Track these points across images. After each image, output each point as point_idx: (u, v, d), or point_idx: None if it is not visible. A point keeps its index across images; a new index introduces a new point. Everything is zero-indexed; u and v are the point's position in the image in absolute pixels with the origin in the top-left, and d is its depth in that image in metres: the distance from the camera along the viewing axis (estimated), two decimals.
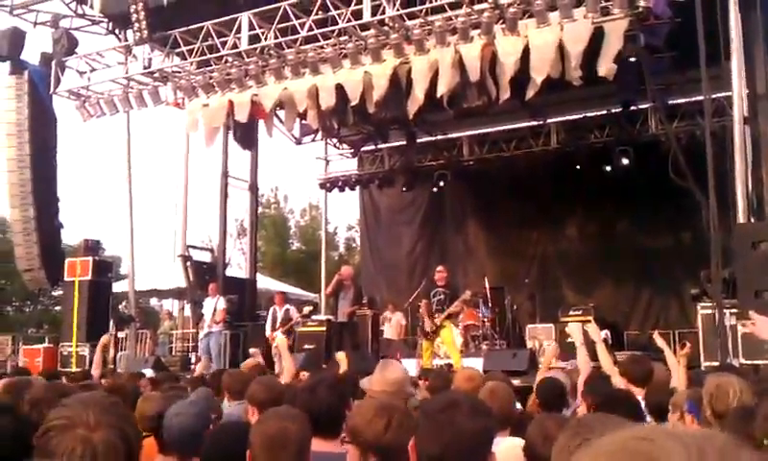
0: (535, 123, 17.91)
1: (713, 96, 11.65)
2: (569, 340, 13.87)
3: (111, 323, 16.71)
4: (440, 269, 12.53)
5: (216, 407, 4.78)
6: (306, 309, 14.37)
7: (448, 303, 11.93)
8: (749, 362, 9.50)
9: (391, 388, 3.90)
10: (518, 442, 3.28)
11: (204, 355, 13.79)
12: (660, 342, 6.89)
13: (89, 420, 1.87)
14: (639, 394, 5.05)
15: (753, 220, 10.83)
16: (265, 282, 22.87)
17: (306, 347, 13.56)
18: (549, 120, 17.73)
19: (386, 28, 12.58)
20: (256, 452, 2.73)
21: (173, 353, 18.47)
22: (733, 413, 3.33)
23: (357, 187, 20.91)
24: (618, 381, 5.50)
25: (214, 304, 14.67)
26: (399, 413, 2.71)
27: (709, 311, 10.67)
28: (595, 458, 0.82)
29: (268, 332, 13.84)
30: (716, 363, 9.43)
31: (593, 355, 6.41)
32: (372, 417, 2.73)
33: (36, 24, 16.14)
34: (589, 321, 13.26)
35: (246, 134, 16.38)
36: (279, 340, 8.30)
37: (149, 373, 9.72)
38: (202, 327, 14.76)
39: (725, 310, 10.07)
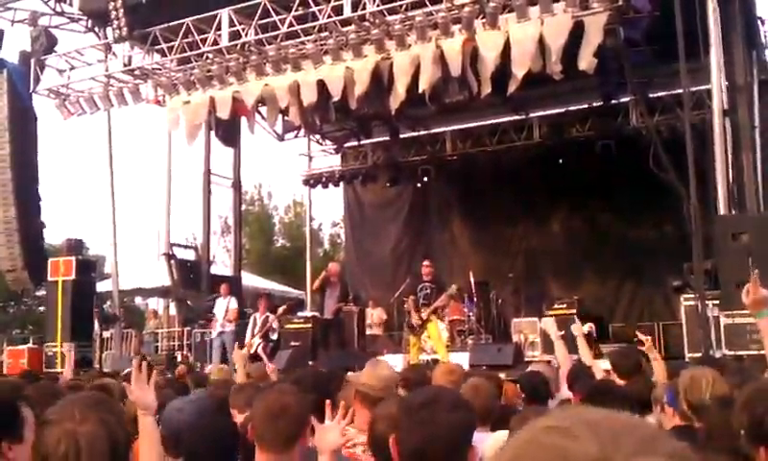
0: (517, 118, 17.96)
1: (693, 89, 11.73)
2: None
3: (96, 322, 16.64)
4: (426, 264, 12.55)
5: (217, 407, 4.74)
6: (280, 309, 14.34)
7: (435, 298, 11.95)
8: (732, 353, 9.58)
9: (379, 384, 3.93)
10: (505, 435, 3.31)
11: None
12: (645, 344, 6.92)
13: (75, 415, 1.95)
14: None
15: (733, 211, 10.92)
16: (250, 280, 22.81)
17: (292, 344, 13.55)
18: (531, 114, 17.78)
19: (366, 23, 12.57)
20: (257, 423, 2.85)
21: (158, 352, 18.40)
22: (714, 403, 3.37)
23: (341, 183, 20.90)
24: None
25: (226, 305, 14.81)
26: None
27: (692, 303, 10.74)
28: (510, 451, 0.80)
29: (248, 338, 13.85)
30: (699, 354, 9.51)
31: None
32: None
33: (13, 22, 16.00)
34: (573, 314, 13.40)
35: (228, 132, 16.35)
36: (236, 354, 8.30)
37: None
38: (214, 327, 14.81)
39: (707, 302, 10.15)
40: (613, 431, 0.77)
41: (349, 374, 4.25)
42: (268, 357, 11.90)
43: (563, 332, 6.67)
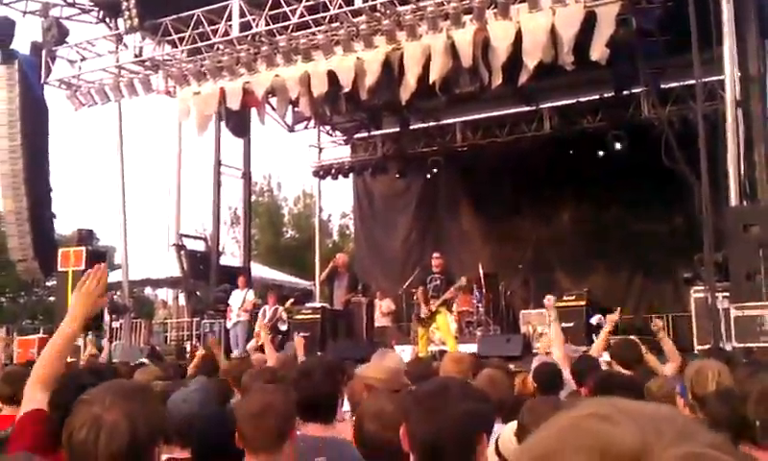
0: (528, 108, 17.92)
1: (706, 80, 11.66)
2: (564, 325, 13.93)
3: (106, 312, 16.70)
4: (436, 256, 12.58)
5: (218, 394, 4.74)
6: (288, 302, 14.42)
7: (444, 289, 11.98)
8: (741, 345, 9.55)
9: (384, 376, 3.91)
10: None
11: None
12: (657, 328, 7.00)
13: (106, 400, 1.98)
14: None
15: (745, 203, 10.86)
16: (259, 271, 22.87)
17: (302, 334, 13.55)
18: (542, 105, 17.74)
19: (378, 14, 12.54)
20: (242, 425, 2.78)
21: (168, 343, 18.48)
22: (714, 395, 3.37)
23: (351, 175, 20.91)
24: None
25: (243, 296, 14.90)
26: None
27: (702, 295, 10.69)
28: (547, 438, 0.80)
29: (256, 330, 13.95)
30: (709, 346, 9.48)
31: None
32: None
33: (25, 13, 16.03)
34: (583, 306, 13.40)
35: (238, 122, 16.34)
36: (263, 336, 8.68)
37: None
38: (229, 317, 14.86)
39: (717, 293, 10.11)
40: (654, 420, 0.77)
41: (357, 368, 4.25)
42: (276, 348, 11.99)
43: (572, 323, 6.77)
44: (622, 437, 0.75)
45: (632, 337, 7.04)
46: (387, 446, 2.69)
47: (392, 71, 12.77)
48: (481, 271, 15.50)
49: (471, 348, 11.52)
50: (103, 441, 1.92)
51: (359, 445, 2.85)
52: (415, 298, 12.67)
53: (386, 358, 4.18)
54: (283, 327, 14.12)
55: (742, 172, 10.78)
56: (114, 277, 18.98)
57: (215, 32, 13.83)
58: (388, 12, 12.40)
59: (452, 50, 12.04)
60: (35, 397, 2.81)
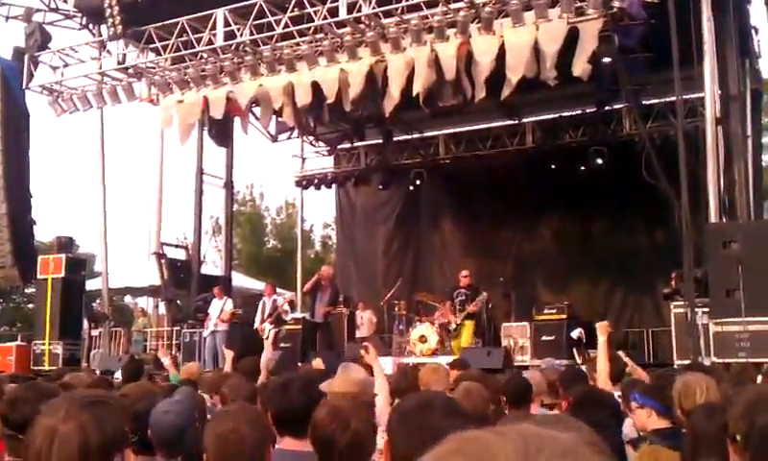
0: (510, 122, 18.02)
1: (686, 97, 11.78)
2: (544, 339, 14.01)
3: (85, 320, 16.57)
4: (464, 274, 13.78)
5: (199, 405, 4.72)
6: (289, 295, 14.46)
7: (469, 303, 13.22)
8: (720, 360, 9.62)
9: (354, 389, 3.89)
10: None
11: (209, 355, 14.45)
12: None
13: (61, 412, 1.98)
14: (616, 391, 5.11)
15: (724, 219, 10.96)
16: (240, 280, 22.77)
17: (282, 345, 13.55)
18: (525, 119, 17.85)
19: (362, 26, 12.58)
20: (210, 455, 2.65)
21: (147, 351, 18.33)
22: (699, 410, 3.38)
23: (333, 185, 20.91)
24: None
25: (221, 305, 14.82)
26: None
27: (682, 310, 10.78)
28: (447, 444, 0.85)
29: (257, 324, 13.89)
30: (688, 361, 9.54)
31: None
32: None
33: (8, 18, 15.90)
34: (564, 319, 13.47)
35: (221, 131, 16.29)
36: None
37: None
38: (207, 326, 14.76)
39: (697, 309, 10.19)
40: (537, 442, 0.82)
41: (322, 384, 4.20)
42: (274, 344, 12.10)
43: (552, 337, 6.71)
44: (504, 447, 0.81)
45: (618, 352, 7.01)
46: (334, 436, 2.69)
47: (375, 83, 12.79)
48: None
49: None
50: (55, 451, 1.93)
51: (313, 442, 2.82)
52: (439, 312, 13.77)
53: (351, 371, 4.16)
54: (287, 318, 14.19)
55: (722, 189, 10.89)
56: (94, 284, 18.87)
57: (199, 40, 13.79)
58: (372, 24, 12.43)
59: (436, 63, 12.08)
60: None
